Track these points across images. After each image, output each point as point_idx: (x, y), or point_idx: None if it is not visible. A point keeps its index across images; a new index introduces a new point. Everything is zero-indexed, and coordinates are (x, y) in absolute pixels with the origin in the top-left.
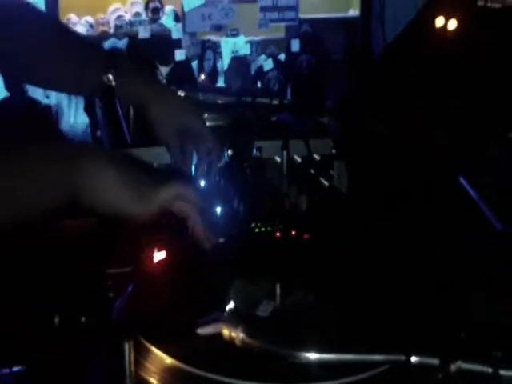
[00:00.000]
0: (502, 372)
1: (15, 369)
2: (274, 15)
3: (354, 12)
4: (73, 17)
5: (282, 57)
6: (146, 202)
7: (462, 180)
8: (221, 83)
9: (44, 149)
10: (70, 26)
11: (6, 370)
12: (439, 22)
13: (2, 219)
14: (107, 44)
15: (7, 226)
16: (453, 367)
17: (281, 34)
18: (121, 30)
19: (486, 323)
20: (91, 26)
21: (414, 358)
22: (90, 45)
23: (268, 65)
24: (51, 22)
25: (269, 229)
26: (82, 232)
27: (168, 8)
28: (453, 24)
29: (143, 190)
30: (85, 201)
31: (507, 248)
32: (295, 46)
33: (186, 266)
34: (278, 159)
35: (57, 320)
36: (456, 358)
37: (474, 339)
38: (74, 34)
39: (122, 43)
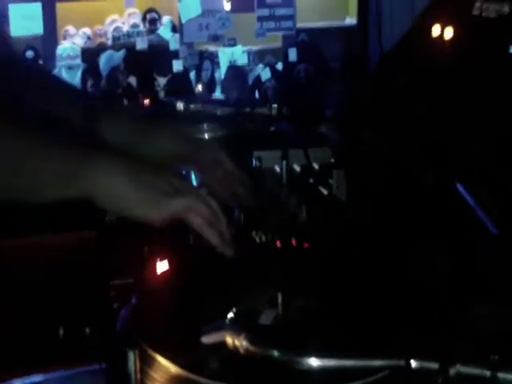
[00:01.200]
0: (500, 375)
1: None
2: (271, 25)
3: (350, 20)
4: (70, 28)
5: (280, 66)
6: (157, 209)
7: (459, 186)
8: (219, 93)
9: (58, 141)
10: (68, 37)
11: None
12: (436, 31)
13: None
14: (104, 56)
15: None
16: (452, 371)
17: (278, 44)
18: (118, 41)
19: (484, 328)
20: (89, 37)
21: (413, 363)
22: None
23: (265, 74)
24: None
25: (269, 239)
26: (83, 244)
27: (165, 19)
28: (449, 33)
29: (156, 197)
30: (98, 201)
31: (503, 253)
32: (292, 55)
33: (189, 275)
34: (277, 169)
35: (61, 331)
36: (455, 361)
37: (473, 343)
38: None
39: (119, 55)
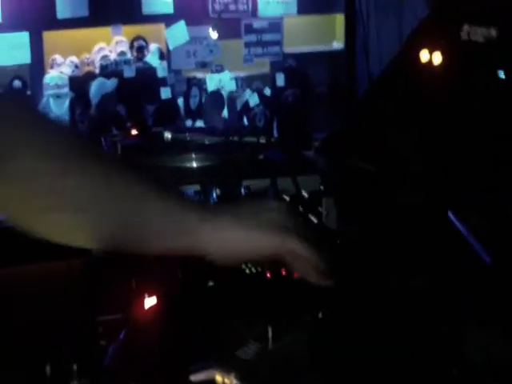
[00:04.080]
0: None
1: None
2: (259, 50)
3: (337, 44)
4: (58, 57)
5: (268, 91)
6: (263, 251)
7: (451, 215)
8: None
9: (162, 197)
10: (55, 66)
11: None
12: (424, 56)
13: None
14: (95, 83)
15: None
16: None
17: (266, 69)
18: (106, 69)
19: (477, 359)
20: (76, 66)
21: None
22: None
23: (253, 100)
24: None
25: (259, 269)
26: (71, 272)
27: (153, 46)
28: (437, 58)
29: (260, 242)
30: (209, 256)
31: (497, 282)
32: (280, 80)
33: (177, 310)
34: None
35: (48, 368)
36: None
37: (467, 375)
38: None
39: (111, 83)
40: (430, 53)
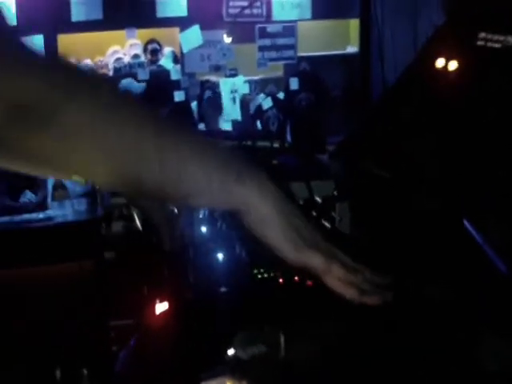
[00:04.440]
0: None
1: None
2: (273, 54)
3: (352, 48)
4: (72, 60)
5: (281, 95)
6: (296, 253)
7: (466, 223)
8: (220, 123)
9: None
10: None
11: None
12: (439, 63)
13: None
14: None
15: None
16: None
17: (279, 73)
18: (120, 72)
19: (491, 367)
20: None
21: None
22: None
23: (267, 103)
24: None
25: (271, 275)
26: (83, 274)
27: (167, 49)
28: (453, 65)
29: (299, 242)
30: (246, 221)
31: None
32: (294, 84)
33: (189, 316)
34: None
35: (58, 372)
36: None
37: (480, 381)
38: None
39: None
40: (447, 60)
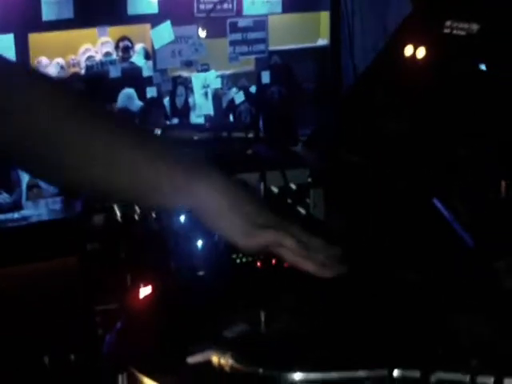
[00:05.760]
0: (479, 379)
1: None
2: (244, 49)
3: (322, 41)
4: (43, 59)
5: (254, 89)
6: (247, 237)
7: (436, 201)
8: (193, 118)
9: (159, 148)
10: (41, 68)
11: None
12: (408, 50)
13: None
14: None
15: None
16: (433, 378)
17: (251, 67)
18: (92, 70)
19: (465, 337)
20: (62, 67)
21: (396, 372)
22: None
23: (239, 97)
24: None
25: (249, 259)
26: (67, 269)
27: (138, 46)
28: (421, 52)
29: (246, 226)
30: (198, 216)
31: (479, 265)
32: (265, 77)
33: (172, 297)
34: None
35: (46, 359)
36: (436, 369)
37: (454, 351)
38: None
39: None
40: (415, 48)
